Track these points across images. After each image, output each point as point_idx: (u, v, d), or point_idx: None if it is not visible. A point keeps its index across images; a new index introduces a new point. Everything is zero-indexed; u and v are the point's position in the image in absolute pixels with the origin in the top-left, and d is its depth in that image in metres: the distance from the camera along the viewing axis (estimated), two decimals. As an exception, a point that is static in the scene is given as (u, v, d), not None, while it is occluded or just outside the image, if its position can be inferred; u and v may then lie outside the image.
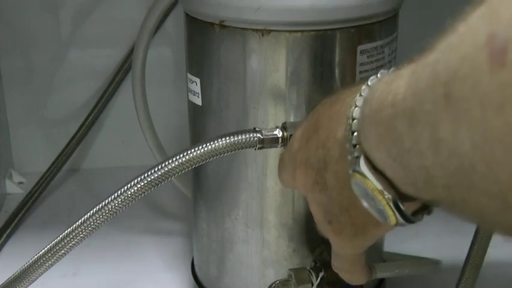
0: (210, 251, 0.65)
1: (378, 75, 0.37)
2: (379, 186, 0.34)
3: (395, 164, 0.32)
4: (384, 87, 0.32)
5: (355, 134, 0.36)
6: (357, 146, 0.36)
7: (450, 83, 0.25)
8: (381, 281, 0.67)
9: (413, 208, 0.37)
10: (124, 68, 0.94)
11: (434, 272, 0.63)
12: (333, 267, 0.50)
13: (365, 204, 0.37)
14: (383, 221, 0.36)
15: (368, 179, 0.35)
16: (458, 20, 0.26)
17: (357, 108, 0.36)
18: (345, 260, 0.48)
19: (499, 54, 0.23)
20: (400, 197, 0.35)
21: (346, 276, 0.50)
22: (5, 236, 0.82)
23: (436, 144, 0.27)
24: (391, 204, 0.35)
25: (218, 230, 0.63)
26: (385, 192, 0.34)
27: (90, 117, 0.95)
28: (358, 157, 0.35)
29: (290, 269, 0.58)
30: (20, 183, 0.96)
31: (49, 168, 0.93)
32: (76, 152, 0.96)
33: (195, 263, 0.70)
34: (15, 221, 0.85)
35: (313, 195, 0.44)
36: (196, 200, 0.65)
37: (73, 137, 0.95)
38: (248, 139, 0.50)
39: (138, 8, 0.86)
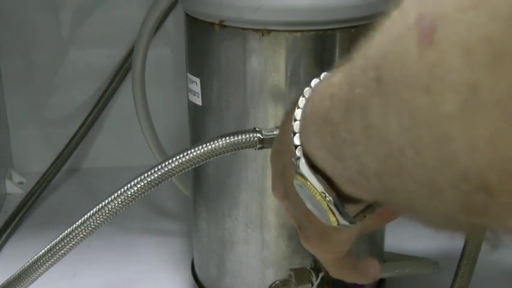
0: (210, 251, 0.65)
1: (321, 76, 0.37)
2: (319, 187, 0.34)
3: (333, 158, 0.31)
4: (325, 84, 0.33)
5: (297, 135, 0.35)
6: (299, 147, 0.35)
7: (381, 66, 0.25)
8: (381, 281, 0.67)
9: (357, 210, 0.36)
10: (124, 68, 0.94)
11: (434, 272, 0.63)
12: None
13: (309, 205, 0.37)
14: (325, 222, 0.36)
15: (308, 180, 0.35)
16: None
17: (298, 110, 0.36)
18: (329, 264, 0.47)
19: (427, 33, 0.22)
20: (341, 198, 0.34)
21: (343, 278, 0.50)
22: (5, 236, 0.82)
23: (367, 130, 0.26)
24: (332, 206, 0.35)
25: (218, 230, 0.63)
26: (326, 194, 0.34)
27: (90, 117, 0.95)
28: (299, 158, 0.35)
29: (290, 269, 0.58)
30: (20, 183, 0.96)
31: (49, 168, 0.93)
32: (76, 152, 0.96)
33: (195, 263, 0.70)
34: (15, 221, 0.85)
35: (284, 203, 0.44)
36: (196, 200, 0.65)
37: (73, 137, 0.95)
38: (248, 139, 0.50)
39: (138, 8, 0.86)
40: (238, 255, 0.62)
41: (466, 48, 0.21)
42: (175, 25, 0.93)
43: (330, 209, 0.35)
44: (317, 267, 0.58)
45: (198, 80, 0.59)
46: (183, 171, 0.50)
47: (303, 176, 0.35)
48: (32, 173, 0.95)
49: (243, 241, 0.61)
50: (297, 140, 0.35)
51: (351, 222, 0.36)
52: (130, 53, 0.90)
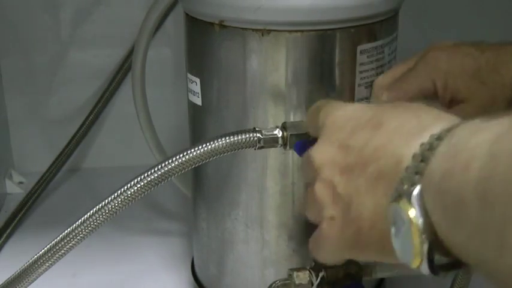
0: (210, 251, 0.65)
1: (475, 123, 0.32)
2: (420, 225, 0.31)
3: (448, 225, 0.30)
4: (465, 137, 0.30)
5: (423, 164, 0.32)
6: (418, 176, 0.32)
7: None
8: (381, 281, 0.67)
9: (443, 262, 0.33)
10: (124, 68, 0.94)
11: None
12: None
13: (392, 231, 0.34)
14: (402, 258, 0.34)
15: (412, 211, 0.32)
16: None
17: (437, 143, 0.32)
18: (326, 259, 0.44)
19: None
20: (436, 245, 0.32)
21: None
22: (5, 236, 0.82)
23: (502, 243, 0.25)
24: (425, 248, 0.32)
25: (218, 230, 0.63)
26: (423, 235, 0.32)
27: (90, 117, 0.95)
28: (414, 186, 0.32)
29: (290, 269, 0.58)
30: (20, 183, 0.96)
31: (49, 168, 0.93)
32: (76, 152, 0.96)
33: (195, 263, 0.70)
34: (15, 221, 0.85)
35: (333, 176, 0.39)
36: (196, 200, 0.65)
37: (73, 137, 0.95)
38: (248, 139, 0.50)
39: (138, 8, 0.86)
40: (238, 255, 0.62)
41: None
42: (175, 25, 0.93)
43: (421, 250, 0.32)
44: (317, 267, 0.58)
45: (198, 80, 0.59)
46: (183, 171, 0.50)
47: (409, 204, 0.32)
48: (32, 173, 0.95)
49: (243, 241, 0.61)
50: (420, 169, 0.32)
51: (433, 273, 0.33)
52: (130, 53, 0.90)
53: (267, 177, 0.58)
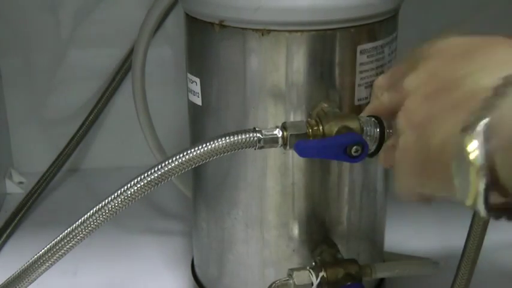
0: (210, 250, 0.65)
1: None
2: (480, 161, 0.30)
3: None
4: None
5: (498, 98, 0.31)
6: (489, 109, 0.31)
7: None
8: (381, 281, 0.67)
9: (498, 205, 0.32)
10: (124, 68, 0.94)
11: (434, 272, 0.63)
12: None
13: (454, 165, 0.32)
14: (459, 194, 0.32)
15: (473, 144, 0.30)
16: None
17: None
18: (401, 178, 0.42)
19: None
20: (495, 185, 0.31)
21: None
22: (5, 236, 0.83)
23: None
24: (481, 186, 0.31)
25: (218, 229, 0.63)
26: (481, 173, 0.30)
27: (90, 117, 0.95)
28: (481, 119, 0.31)
29: (290, 269, 0.58)
30: (20, 183, 0.96)
31: (49, 168, 0.93)
32: (76, 152, 0.96)
33: (195, 263, 0.70)
34: (15, 221, 0.85)
35: (415, 104, 0.39)
36: (196, 200, 0.65)
37: (73, 137, 0.95)
38: (248, 139, 0.50)
39: (138, 8, 0.85)
40: (238, 255, 0.62)
41: None
42: (175, 25, 0.93)
43: (475, 187, 0.31)
44: (317, 267, 0.58)
45: (198, 80, 0.59)
46: (183, 171, 0.50)
47: (473, 138, 0.31)
48: (32, 173, 0.95)
49: (243, 241, 0.61)
50: (488, 111, 0.31)
51: (486, 212, 0.31)
52: (130, 53, 0.90)
53: (267, 177, 0.58)
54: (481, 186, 0.31)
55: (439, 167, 0.35)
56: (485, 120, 0.31)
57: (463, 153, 0.31)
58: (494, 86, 0.31)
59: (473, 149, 0.31)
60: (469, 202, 0.32)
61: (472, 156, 0.31)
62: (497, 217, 0.32)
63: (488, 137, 0.30)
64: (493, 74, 0.33)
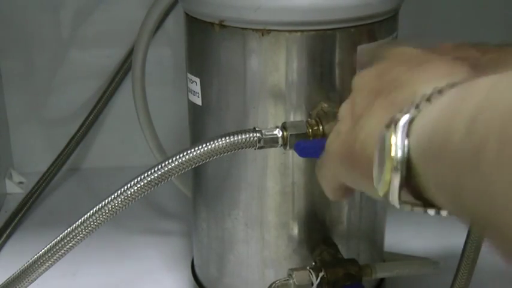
0: (210, 251, 0.65)
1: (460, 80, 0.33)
2: (399, 153, 0.32)
3: (430, 158, 0.30)
4: (469, 84, 0.30)
5: (425, 102, 0.32)
6: (415, 109, 0.32)
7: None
8: (381, 281, 0.67)
9: (410, 200, 0.34)
10: (124, 68, 0.94)
11: (434, 272, 0.63)
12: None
13: (375, 157, 0.34)
14: (375, 183, 0.34)
15: (393, 138, 0.32)
16: None
17: (435, 100, 0.32)
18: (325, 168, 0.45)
19: None
20: (408, 184, 0.32)
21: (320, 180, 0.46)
22: (5, 236, 0.82)
23: (477, 169, 0.25)
24: (394, 183, 0.32)
25: (218, 230, 0.63)
26: (400, 170, 0.32)
27: (90, 117, 0.95)
28: (405, 114, 0.32)
29: (290, 269, 0.58)
30: (20, 183, 0.96)
31: (49, 168, 0.93)
32: (76, 152, 0.96)
33: (195, 263, 0.70)
34: (15, 221, 0.85)
35: (357, 98, 0.41)
36: (196, 200, 0.65)
37: (73, 137, 0.95)
38: (248, 139, 0.50)
39: (138, 8, 0.86)
40: (238, 255, 0.62)
41: None
42: (175, 25, 0.93)
43: (389, 182, 0.33)
44: (317, 267, 0.58)
45: (198, 80, 0.59)
46: (183, 171, 0.50)
47: (395, 132, 0.32)
48: (32, 173, 0.95)
49: (243, 241, 0.61)
50: (413, 111, 0.32)
51: (398, 205, 0.33)
52: (130, 53, 0.90)
53: (267, 177, 0.58)
54: (396, 180, 0.32)
55: (363, 158, 0.37)
56: (406, 117, 0.32)
57: (383, 146, 0.33)
58: (426, 94, 0.33)
59: (394, 143, 0.32)
60: (381, 192, 0.34)
61: (391, 150, 0.32)
62: (411, 209, 0.34)
63: (407, 134, 0.32)
64: (430, 84, 0.34)
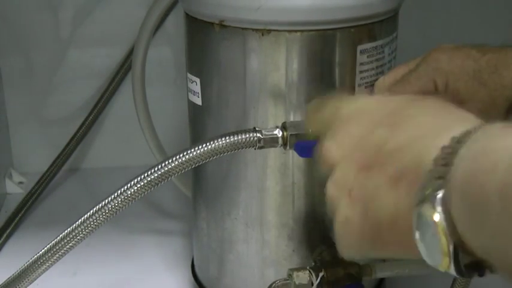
0: (210, 250, 0.65)
1: (497, 128, 0.32)
2: (445, 227, 0.32)
3: (468, 226, 0.30)
4: (490, 140, 0.30)
5: (446, 168, 0.32)
6: (441, 180, 0.32)
7: None
8: (381, 281, 0.67)
9: (468, 259, 0.33)
10: (124, 68, 0.94)
11: (434, 272, 0.63)
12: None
13: (417, 236, 0.34)
14: (430, 261, 0.34)
15: (436, 215, 0.32)
16: None
17: (459, 145, 0.32)
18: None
19: None
20: (460, 248, 0.32)
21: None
22: (5, 235, 0.82)
23: None
24: (451, 248, 0.32)
25: (218, 229, 0.63)
26: (449, 237, 0.32)
27: (90, 117, 0.95)
28: (437, 191, 0.32)
29: (290, 269, 0.58)
30: (20, 183, 0.96)
31: (49, 168, 0.93)
32: (76, 152, 0.96)
33: (195, 262, 0.70)
34: (15, 221, 0.85)
35: (348, 168, 0.39)
36: (196, 200, 0.65)
37: (73, 137, 0.95)
38: (248, 139, 0.50)
39: (138, 8, 0.86)
40: (238, 255, 0.62)
41: None
42: (175, 25, 0.93)
43: (448, 250, 0.32)
44: (317, 267, 0.58)
45: (198, 80, 0.59)
46: (183, 171, 0.50)
47: (435, 209, 0.32)
48: (32, 173, 0.95)
49: (243, 241, 0.61)
50: (444, 172, 0.32)
51: (460, 274, 0.33)
52: (130, 53, 0.90)
53: (267, 177, 0.58)
54: (451, 248, 0.32)
55: (395, 236, 0.37)
56: (441, 191, 0.32)
57: (427, 224, 0.32)
58: (437, 156, 0.33)
59: (438, 218, 0.32)
60: (442, 267, 0.33)
61: (438, 224, 0.32)
62: (470, 275, 0.34)
63: (446, 205, 0.32)
64: (429, 142, 0.34)
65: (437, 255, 0.33)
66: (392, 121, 0.38)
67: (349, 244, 0.41)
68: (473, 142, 0.31)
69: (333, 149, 0.40)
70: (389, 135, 0.37)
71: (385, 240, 0.38)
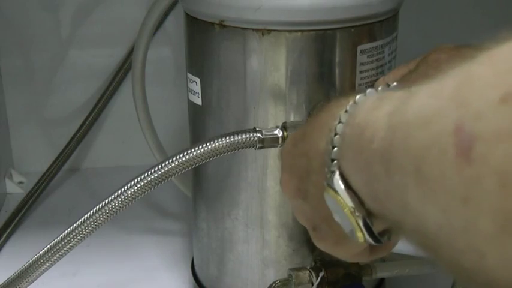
0: (210, 250, 0.65)
1: (366, 92, 0.36)
2: (350, 203, 0.35)
3: (369, 195, 0.32)
4: (367, 113, 0.32)
5: (335, 149, 0.35)
6: (335, 161, 0.35)
7: (420, 160, 0.26)
8: (381, 281, 0.67)
9: (383, 227, 0.37)
10: (124, 68, 0.94)
11: (434, 272, 0.63)
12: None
13: (337, 218, 0.37)
14: (352, 237, 0.36)
15: (340, 195, 0.35)
16: (434, 77, 0.27)
17: (340, 124, 0.35)
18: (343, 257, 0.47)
19: (465, 149, 0.23)
20: (369, 215, 0.35)
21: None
22: (5, 236, 0.82)
23: (405, 205, 0.27)
24: (361, 223, 0.35)
25: (218, 229, 0.63)
26: (356, 212, 0.35)
27: (90, 117, 0.95)
28: (333, 172, 0.35)
29: (290, 269, 0.58)
30: (20, 183, 0.96)
31: (49, 168, 0.93)
32: (76, 151, 0.96)
33: (195, 262, 0.70)
34: (15, 221, 0.85)
35: (297, 201, 0.44)
36: (196, 200, 0.65)
37: (73, 137, 0.95)
38: (248, 139, 0.50)
39: (138, 8, 0.86)
40: (238, 255, 0.62)
41: (502, 177, 0.22)
42: (175, 25, 0.93)
43: (358, 225, 0.35)
44: (317, 267, 0.58)
45: (198, 80, 0.59)
46: (183, 171, 0.50)
47: (335, 190, 0.35)
48: (32, 173, 0.95)
49: (243, 241, 0.61)
50: (334, 155, 0.35)
51: (376, 241, 0.36)
52: (130, 53, 0.90)
53: (267, 177, 0.58)
54: (361, 223, 0.35)
55: (332, 232, 0.41)
56: (336, 173, 0.35)
57: (336, 205, 0.36)
58: (327, 139, 0.36)
59: (341, 198, 0.35)
60: (360, 240, 0.36)
61: (343, 204, 0.35)
62: (387, 239, 0.37)
63: (345, 183, 0.35)
64: (322, 133, 0.38)
65: (353, 231, 0.36)
66: (300, 138, 0.43)
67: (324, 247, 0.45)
68: (353, 119, 0.34)
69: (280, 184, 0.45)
70: (299, 148, 0.42)
71: (334, 237, 0.42)
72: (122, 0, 0.93)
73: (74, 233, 0.51)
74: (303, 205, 0.43)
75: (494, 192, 0.22)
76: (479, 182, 0.23)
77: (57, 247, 0.51)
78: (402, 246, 0.73)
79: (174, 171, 0.50)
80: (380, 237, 0.36)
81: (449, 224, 0.24)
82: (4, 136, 0.96)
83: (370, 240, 0.36)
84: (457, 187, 0.24)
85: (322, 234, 0.43)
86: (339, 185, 0.35)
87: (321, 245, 0.44)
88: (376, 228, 0.36)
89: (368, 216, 0.35)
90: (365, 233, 0.35)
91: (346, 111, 0.35)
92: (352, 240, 0.39)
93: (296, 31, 0.53)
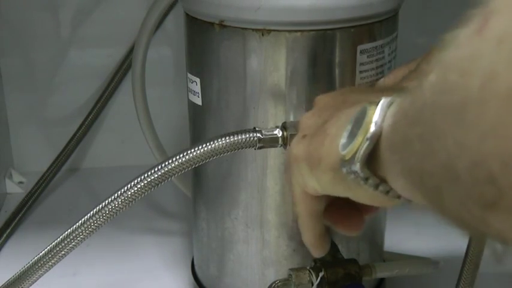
0: (210, 250, 0.65)
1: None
2: (373, 127, 0.34)
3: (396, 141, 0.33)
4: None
5: (392, 103, 0.35)
6: (393, 97, 0.35)
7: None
8: (381, 281, 0.67)
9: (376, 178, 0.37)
10: (124, 68, 0.94)
11: (434, 272, 0.63)
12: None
13: (349, 125, 0.37)
14: (341, 150, 0.37)
15: (376, 115, 0.34)
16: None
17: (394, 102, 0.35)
18: (297, 190, 0.47)
19: (482, 25, 0.23)
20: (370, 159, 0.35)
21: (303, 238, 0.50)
22: (5, 236, 0.82)
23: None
24: (364, 151, 0.35)
25: (218, 229, 0.63)
26: (369, 138, 0.35)
27: (90, 117, 0.95)
28: (390, 100, 0.35)
29: (290, 269, 0.58)
30: (20, 183, 0.96)
31: (49, 168, 0.93)
32: (76, 151, 0.96)
33: (195, 262, 0.70)
34: (15, 221, 0.85)
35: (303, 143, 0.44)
36: (196, 200, 0.65)
37: (73, 137, 0.95)
38: (248, 139, 0.50)
39: (138, 8, 0.86)
40: (238, 255, 0.62)
41: (500, 39, 0.22)
42: (175, 25, 0.93)
43: (357, 147, 0.35)
44: (317, 267, 0.58)
45: (198, 80, 0.59)
46: (183, 171, 0.50)
47: (376, 112, 0.35)
48: (32, 173, 0.95)
49: (243, 241, 0.61)
50: (390, 99, 0.35)
51: (358, 169, 0.36)
52: (130, 53, 0.90)
53: (267, 177, 0.58)
54: (365, 146, 0.35)
55: (329, 154, 0.41)
56: (389, 99, 0.35)
57: (362, 117, 0.36)
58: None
59: (374, 119, 0.35)
60: (347, 156, 0.36)
61: (371, 122, 0.35)
62: (365, 182, 0.36)
63: (385, 113, 0.35)
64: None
65: (350, 144, 0.36)
66: (322, 132, 0.42)
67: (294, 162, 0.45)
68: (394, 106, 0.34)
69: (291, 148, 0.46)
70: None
71: (322, 157, 0.41)
72: (122, 1, 0.93)
73: (73, 235, 0.51)
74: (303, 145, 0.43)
75: (487, 54, 0.22)
76: (480, 48, 0.23)
77: (57, 248, 0.51)
78: (402, 246, 0.73)
79: (174, 172, 0.50)
80: (364, 168, 0.36)
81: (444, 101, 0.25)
82: (4, 136, 0.96)
83: (358, 161, 0.36)
84: (460, 61, 0.24)
85: (308, 141, 0.43)
86: (382, 110, 0.35)
87: (297, 147, 0.44)
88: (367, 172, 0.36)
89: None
90: (359, 155, 0.35)
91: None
92: (325, 172, 0.40)
93: (296, 31, 0.53)
